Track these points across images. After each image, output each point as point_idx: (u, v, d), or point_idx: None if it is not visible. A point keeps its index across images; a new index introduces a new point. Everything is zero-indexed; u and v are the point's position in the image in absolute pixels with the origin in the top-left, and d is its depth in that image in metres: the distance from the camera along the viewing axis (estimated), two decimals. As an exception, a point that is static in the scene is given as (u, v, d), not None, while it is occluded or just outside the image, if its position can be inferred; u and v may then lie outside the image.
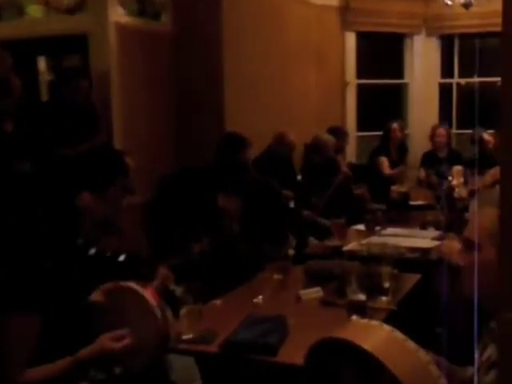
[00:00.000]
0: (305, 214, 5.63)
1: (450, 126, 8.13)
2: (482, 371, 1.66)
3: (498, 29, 0.97)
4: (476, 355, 1.73)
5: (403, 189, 5.85)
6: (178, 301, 2.58)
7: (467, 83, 8.70)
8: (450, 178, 6.22)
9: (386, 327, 1.33)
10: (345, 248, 4.05)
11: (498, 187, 1.05)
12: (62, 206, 2.39)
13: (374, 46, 8.53)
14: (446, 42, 8.49)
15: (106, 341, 2.02)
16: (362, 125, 8.17)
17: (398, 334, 1.30)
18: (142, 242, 3.52)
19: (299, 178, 6.17)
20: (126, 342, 2.02)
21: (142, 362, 2.07)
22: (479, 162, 6.72)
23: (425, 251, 3.98)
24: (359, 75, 8.11)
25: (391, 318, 2.76)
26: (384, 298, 3.00)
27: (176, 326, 2.50)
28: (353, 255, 3.77)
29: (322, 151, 6.14)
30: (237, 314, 2.75)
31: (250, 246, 4.27)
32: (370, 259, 3.22)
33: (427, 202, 5.80)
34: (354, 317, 2.64)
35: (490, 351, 1.63)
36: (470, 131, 7.44)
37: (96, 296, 2.16)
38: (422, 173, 6.97)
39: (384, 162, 6.89)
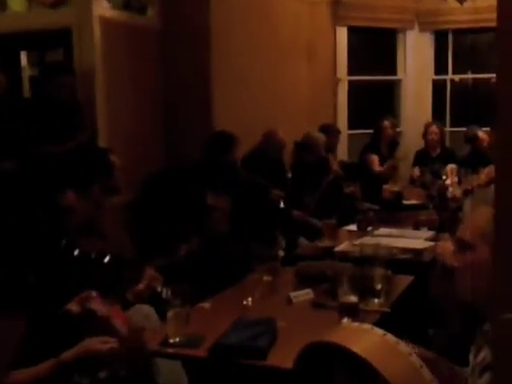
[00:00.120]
0: (295, 213, 5.64)
1: (444, 123, 8.17)
2: (476, 373, 1.67)
3: (493, 24, 0.97)
4: (470, 357, 1.74)
5: (396, 188, 5.86)
6: (165, 303, 2.58)
7: (461, 80, 8.74)
8: (443, 177, 6.25)
9: (378, 330, 1.33)
10: (336, 249, 4.06)
11: (492, 186, 1.06)
12: (47, 205, 2.38)
13: (366, 42, 8.55)
14: (440, 38, 8.51)
15: (92, 342, 2.01)
16: (353, 122, 8.18)
17: (390, 337, 1.31)
18: (127, 243, 3.50)
19: (289, 175, 6.18)
20: (113, 344, 2.01)
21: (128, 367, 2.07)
22: (473, 161, 6.75)
23: (418, 252, 3.99)
24: (351, 71, 8.12)
25: (384, 321, 2.77)
26: (376, 300, 3.01)
27: (163, 330, 2.50)
28: (344, 256, 3.78)
29: (313, 150, 6.15)
30: (225, 317, 2.74)
31: (239, 245, 4.28)
32: (362, 260, 3.23)
33: (420, 201, 5.82)
34: (346, 319, 2.65)
35: (484, 353, 1.64)
36: (464, 129, 7.47)
37: (72, 306, 2.14)
38: (416, 171, 6.99)
39: (374, 159, 6.89)
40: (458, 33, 8.43)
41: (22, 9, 5.09)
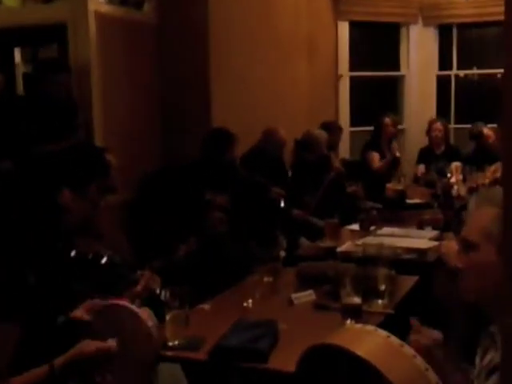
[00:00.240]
0: (296, 213, 5.64)
1: (448, 120, 8.17)
2: (482, 376, 1.67)
3: (498, 18, 0.97)
4: (476, 360, 1.74)
5: (399, 186, 5.86)
6: (164, 305, 2.58)
7: (466, 75, 8.74)
8: (448, 174, 6.25)
9: (382, 332, 1.34)
10: (338, 249, 4.05)
11: (498, 186, 1.06)
12: (45, 204, 2.38)
13: (368, 37, 8.55)
14: (444, 32, 8.50)
15: (87, 345, 2.00)
16: (355, 119, 8.18)
17: (394, 339, 1.31)
18: (124, 243, 3.51)
19: (290, 174, 6.18)
20: (111, 346, 2.00)
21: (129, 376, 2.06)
22: (478, 158, 6.76)
23: (422, 252, 3.99)
24: (353, 67, 8.12)
25: (388, 322, 2.77)
26: (380, 301, 3.01)
27: (162, 332, 2.50)
28: (347, 256, 3.77)
29: (314, 148, 6.15)
30: (225, 319, 2.75)
31: (239, 245, 4.28)
32: (365, 260, 3.22)
33: (424, 200, 5.82)
34: (349, 321, 2.65)
35: (491, 356, 1.64)
36: (469, 126, 7.47)
37: (78, 313, 2.14)
38: (420, 169, 7.00)
39: (374, 156, 6.88)
40: (462, 27, 8.43)
41: (15, 4, 5.09)
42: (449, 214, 4.74)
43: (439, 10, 8.22)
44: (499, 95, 0.99)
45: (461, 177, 6.24)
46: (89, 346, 1.99)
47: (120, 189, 4.01)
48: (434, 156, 7.15)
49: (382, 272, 3.07)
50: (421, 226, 4.68)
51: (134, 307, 2.09)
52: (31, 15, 4.97)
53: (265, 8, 6.48)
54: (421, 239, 4.27)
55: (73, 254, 2.36)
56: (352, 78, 8.13)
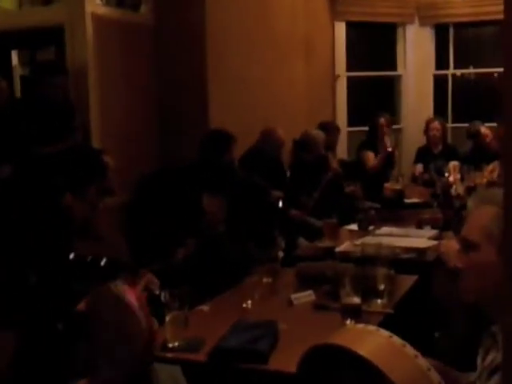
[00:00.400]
0: (294, 213, 5.64)
1: (446, 119, 8.17)
2: (483, 377, 1.67)
3: (495, 17, 0.97)
4: (478, 360, 1.74)
5: (397, 186, 5.86)
6: (164, 307, 2.58)
7: (463, 74, 8.74)
8: (446, 174, 6.25)
9: (384, 332, 1.33)
10: (337, 249, 4.05)
11: (496, 186, 1.06)
12: (47, 206, 2.37)
13: (365, 37, 8.55)
14: (441, 32, 8.51)
15: None
16: (353, 119, 8.18)
17: (397, 340, 1.30)
18: (122, 245, 3.50)
19: (288, 174, 6.18)
20: None
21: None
22: (476, 157, 6.76)
23: (421, 251, 3.99)
24: (350, 67, 8.12)
25: (387, 322, 2.76)
26: (379, 301, 3.01)
27: (161, 334, 2.49)
28: (346, 256, 3.77)
29: (312, 148, 6.15)
30: (225, 320, 2.74)
31: (237, 247, 4.27)
32: (364, 260, 3.22)
33: (423, 199, 5.82)
34: (349, 321, 2.65)
35: (492, 356, 1.64)
36: (467, 125, 7.48)
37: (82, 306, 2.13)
38: (418, 168, 7.00)
39: (369, 155, 6.88)
40: (459, 26, 8.44)
41: (12, 6, 5.08)
42: (448, 213, 4.74)
43: (436, 9, 8.23)
44: (496, 94, 0.99)
45: (459, 176, 6.24)
46: None
47: (117, 191, 4.01)
48: (431, 155, 7.15)
49: (381, 272, 3.07)
50: (420, 226, 4.68)
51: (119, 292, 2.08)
52: (28, 18, 4.97)
53: (262, 9, 6.48)
54: (420, 238, 4.27)
55: (71, 256, 2.36)
56: (349, 78, 8.13)
